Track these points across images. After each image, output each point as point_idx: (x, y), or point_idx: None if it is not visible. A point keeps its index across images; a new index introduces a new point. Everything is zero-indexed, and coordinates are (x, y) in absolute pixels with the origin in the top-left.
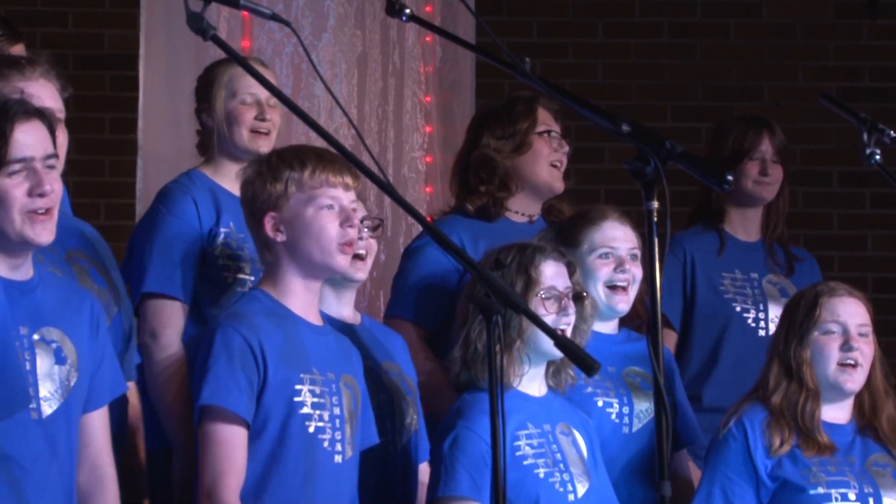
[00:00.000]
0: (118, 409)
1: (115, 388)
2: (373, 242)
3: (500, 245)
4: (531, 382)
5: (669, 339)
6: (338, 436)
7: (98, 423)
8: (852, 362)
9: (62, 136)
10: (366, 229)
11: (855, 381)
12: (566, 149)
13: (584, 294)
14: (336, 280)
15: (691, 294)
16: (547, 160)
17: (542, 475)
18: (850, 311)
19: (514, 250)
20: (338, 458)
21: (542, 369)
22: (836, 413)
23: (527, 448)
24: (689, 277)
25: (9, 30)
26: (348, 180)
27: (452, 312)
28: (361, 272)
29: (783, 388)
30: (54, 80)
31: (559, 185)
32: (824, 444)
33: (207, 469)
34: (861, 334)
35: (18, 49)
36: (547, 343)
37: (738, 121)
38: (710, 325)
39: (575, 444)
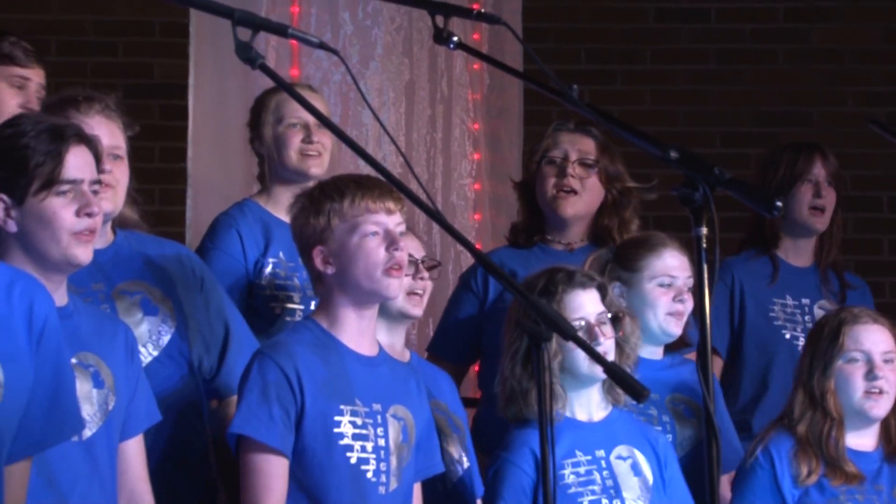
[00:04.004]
0: (187, 432)
1: (150, 417)
2: (429, 283)
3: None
4: (581, 408)
5: (715, 366)
6: (382, 467)
7: (135, 450)
8: (877, 390)
9: (120, 172)
10: (425, 271)
11: (881, 407)
12: (570, 171)
13: (622, 314)
14: (392, 314)
15: (740, 320)
16: (550, 187)
17: (585, 503)
18: (874, 339)
19: (543, 277)
20: (382, 490)
21: (590, 393)
22: (862, 440)
23: (571, 477)
24: (738, 304)
25: (23, 53)
26: (390, 205)
27: (477, 348)
28: (418, 308)
29: (808, 417)
30: (115, 117)
31: (563, 211)
32: (852, 473)
33: (246, 498)
34: (886, 361)
35: (35, 74)
36: (584, 366)
37: (788, 146)
38: (759, 353)
39: (635, 467)
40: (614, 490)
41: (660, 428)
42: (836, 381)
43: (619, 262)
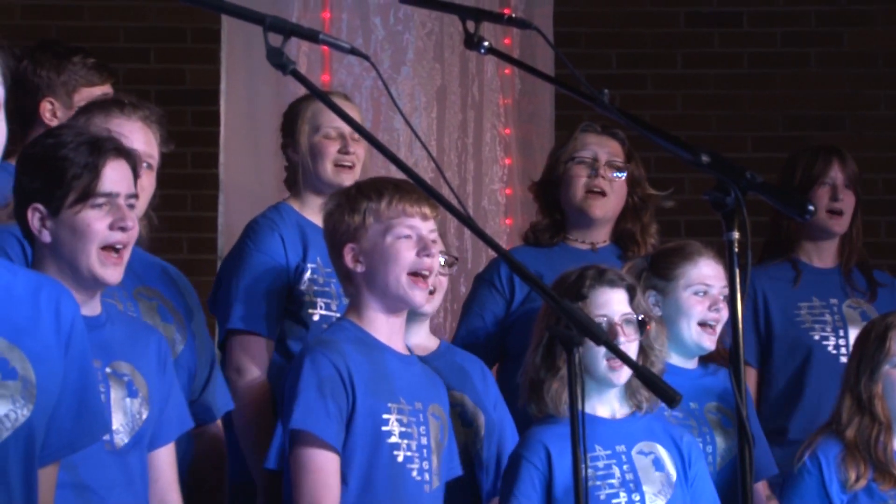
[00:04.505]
0: (183, 446)
1: (182, 425)
2: (444, 279)
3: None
4: (604, 405)
5: (750, 378)
6: (426, 465)
7: (166, 458)
8: None
9: (147, 182)
10: (442, 263)
11: None
12: (602, 174)
13: (648, 318)
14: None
15: (766, 328)
16: (580, 187)
17: (603, 497)
18: None
19: (574, 274)
20: (426, 489)
21: (612, 391)
22: None
23: (589, 471)
24: (763, 312)
25: (101, 68)
26: (426, 210)
27: (501, 349)
28: (429, 305)
29: (856, 422)
30: (155, 128)
31: (593, 212)
32: None
33: (304, 496)
34: None
35: (108, 88)
36: (601, 368)
37: (808, 149)
38: (790, 357)
39: (657, 462)
40: (634, 484)
41: (699, 439)
42: (884, 386)
43: (654, 270)
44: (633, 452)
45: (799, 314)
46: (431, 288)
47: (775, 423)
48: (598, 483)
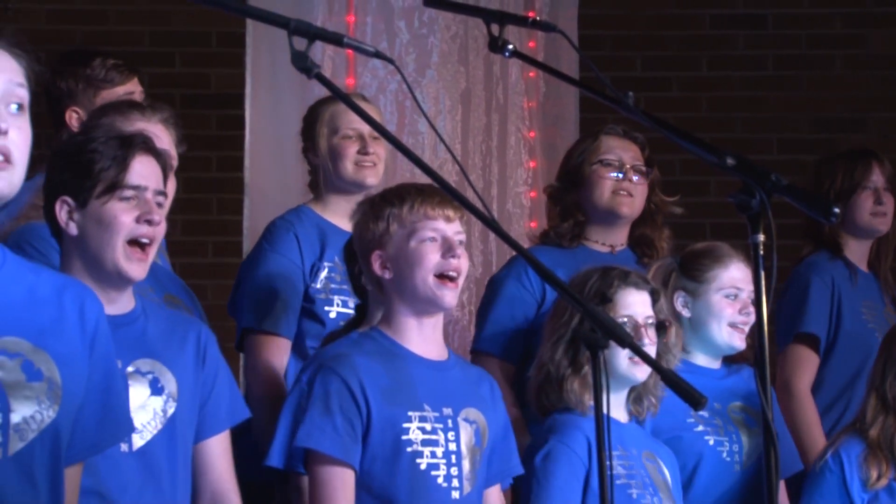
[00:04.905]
0: None
1: (234, 415)
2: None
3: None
4: (615, 409)
5: (812, 364)
6: (454, 471)
7: (215, 450)
8: None
9: (171, 185)
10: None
11: None
12: (630, 176)
13: (668, 322)
14: None
15: (837, 323)
16: (608, 189)
17: (634, 496)
18: None
19: (595, 275)
20: (455, 494)
21: (623, 395)
22: None
23: (619, 468)
24: (836, 306)
25: (121, 66)
26: (449, 212)
27: (531, 349)
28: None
29: (880, 421)
30: (172, 130)
31: (622, 211)
32: None
33: None
34: None
35: (133, 85)
36: (623, 366)
37: (843, 155)
38: (852, 354)
39: (661, 471)
40: (652, 488)
41: (725, 438)
42: None
43: (684, 271)
44: (643, 458)
45: (863, 313)
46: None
47: (828, 419)
48: (629, 482)
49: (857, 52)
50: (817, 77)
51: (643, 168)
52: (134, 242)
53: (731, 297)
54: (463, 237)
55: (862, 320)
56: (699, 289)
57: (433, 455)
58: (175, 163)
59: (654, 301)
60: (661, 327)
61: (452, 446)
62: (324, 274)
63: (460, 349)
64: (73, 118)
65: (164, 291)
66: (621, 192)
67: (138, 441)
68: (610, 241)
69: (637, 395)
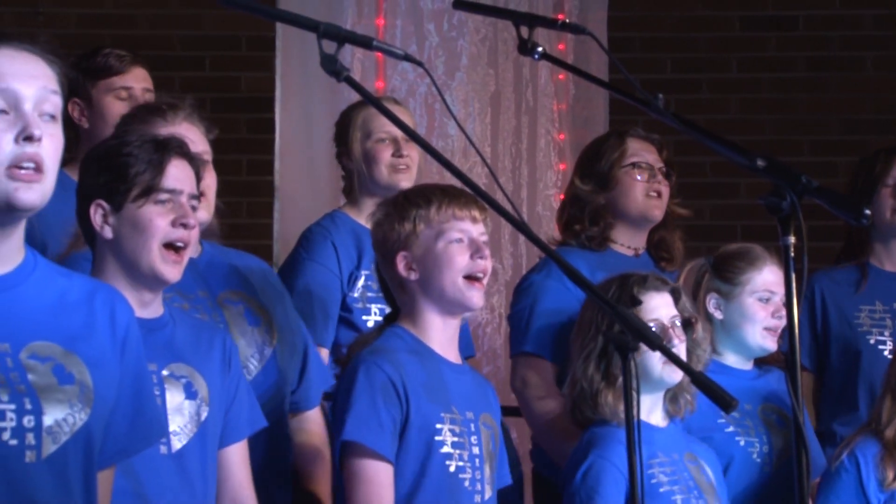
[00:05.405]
0: (282, 443)
1: (253, 423)
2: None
3: (610, 276)
4: (652, 414)
5: (805, 380)
6: (477, 475)
7: (236, 457)
8: None
9: (210, 178)
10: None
11: None
12: (659, 178)
13: (694, 319)
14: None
15: (824, 331)
16: (640, 191)
17: (679, 501)
18: None
19: (615, 283)
20: (478, 498)
21: (659, 399)
22: None
23: (661, 476)
24: (821, 315)
25: (122, 56)
26: (475, 213)
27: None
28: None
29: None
30: (198, 122)
31: (655, 214)
32: None
33: None
34: None
35: (134, 76)
36: (657, 370)
37: (874, 152)
38: (842, 360)
39: (703, 472)
40: (697, 491)
41: (756, 439)
42: None
43: (717, 273)
44: (685, 461)
45: (858, 317)
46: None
47: (826, 427)
48: (672, 488)
49: (889, 53)
50: (848, 79)
51: (667, 169)
52: (169, 246)
53: (764, 301)
54: (487, 238)
55: (852, 325)
56: (732, 291)
57: (461, 458)
58: (209, 155)
59: (676, 300)
60: (687, 324)
61: (476, 450)
62: (361, 282)
63: (490, 352)
64: (76, 110)
65: (218, 293)
66: (651, 195)
67: (176, 444)
68: (634, 244)
69: (672, 394)
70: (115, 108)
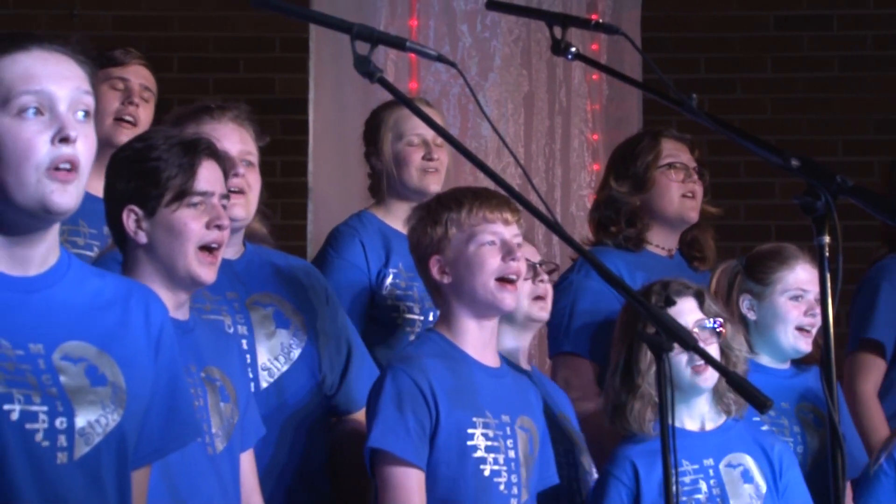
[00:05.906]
0: (309, 445)
1: (257, 432)
2: (549, 286)
3: (653, 278)
4: (692, 419)
5: (877, 368)
6: (514, 479)
7: (247, 464)
8: None
9: (253, 178)
10: (545, 274)
11: None
12: (694, 178)
13: (723, 320)
14: (518, 320)
15: None
16: (676, 192)
17: None
18: None
19: (645, 292)
20: (514, 502)
21: (699, 403)
22: None
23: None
24: None
25: (120, 53)
26: (507, 215)
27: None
28: (544, 311)
29: None
30: (247, 125)
31: (691, 215)
32: None
33: None
34: None
35: (132, 71)
36: (686, 376)
37: None
38: None
39: (745, 474)
40: (721, 498)
41: (790, 439)
42: None
43: (749, 274)
44: (721, 466)
45: None
46: (543, 294)
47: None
48: (685, 498)
49: None
50: (883, 78)
51: (700, 170)
52: (204, 248)
53: (797, 299)
54: (521, 239)
55: None
56: (765, 291)
57: (495, 462)
58: (253, 157)
59: (701, 303)
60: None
61: (511, 454)
62: (389, 280)
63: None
64: None
65: (249, 295)
66: (687, 195)
67: (219, 446)
68: (668, 245)
69: (717, 395)
70: (108, 97)
